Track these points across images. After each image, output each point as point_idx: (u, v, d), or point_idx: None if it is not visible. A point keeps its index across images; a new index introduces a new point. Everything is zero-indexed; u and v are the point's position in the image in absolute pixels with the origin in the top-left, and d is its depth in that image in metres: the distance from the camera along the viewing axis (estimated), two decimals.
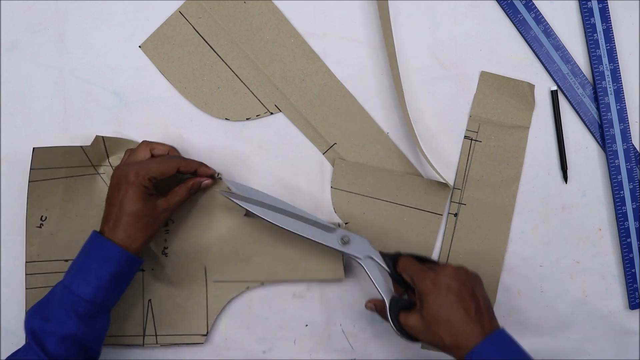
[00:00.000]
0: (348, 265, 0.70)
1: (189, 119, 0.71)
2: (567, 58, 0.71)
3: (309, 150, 0.71)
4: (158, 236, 0.69)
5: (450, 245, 0.71)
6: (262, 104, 0.71)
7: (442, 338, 0.57)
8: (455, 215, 0.71)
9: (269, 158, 0.71)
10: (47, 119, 0.71)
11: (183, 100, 0.71)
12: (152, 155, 0.66)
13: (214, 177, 0.68)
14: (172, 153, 0.68)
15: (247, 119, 0.71)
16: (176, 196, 0.65)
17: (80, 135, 0.71)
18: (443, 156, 0.71)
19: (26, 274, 0.68)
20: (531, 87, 0.71)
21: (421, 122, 0.71)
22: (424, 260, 0.64)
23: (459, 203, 0.71)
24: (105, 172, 0.69)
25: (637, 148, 0.71)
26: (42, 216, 0.68)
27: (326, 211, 0.71)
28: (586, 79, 0.71)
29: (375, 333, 0.71)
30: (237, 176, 0.71)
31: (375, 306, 0.64)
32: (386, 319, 0.62)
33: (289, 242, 0.69)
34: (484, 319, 0.57)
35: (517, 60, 0.71)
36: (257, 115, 0.71)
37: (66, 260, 0.68)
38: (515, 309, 0.71)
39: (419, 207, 0.70)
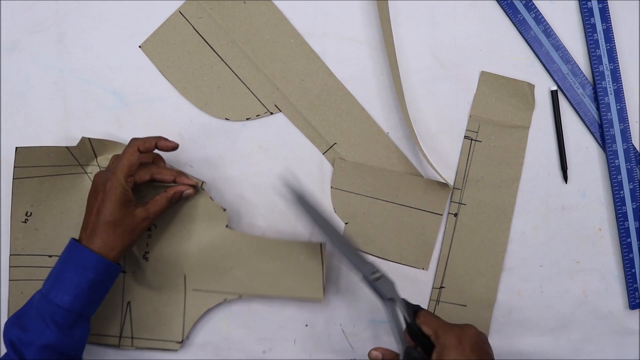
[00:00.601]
0: (339, 273, 0.70)
1: (189, 119, 0.71)
2: (567, 58, 0.71)
3: (309, 150, 0.71)
4: (140, 240, 0.68)
5: (450, 245, 0.71)
6: (262, 104, 0.71)
7: None
8: (455, 215, 0.71)
9: (269, 158, 0.71)
10: (47, 119, 0.71)
11: (183, 100, 0.71)
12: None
13: (196, 188, 0.66)
14: (157, 161, 0.67)
15: (247, 119, 0.71)
16: (156, 205, 0.64)
17: (80, 135, 0.70)
18: (443, 156, 0.71)
19: (10, 266, 0.69)
20: (531, 87, 0.71)
21: (421, 122, 0.71)
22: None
23: (459, 203, 0.71)
24: (93, 171, 0.69)
25: (637, 148, 0.71)
26: (27, 212, 0.68)
27: (326, 211, 0.71)
28: (586, 79, 0.71)
29: (375, 333, 0.71)
30: (237, 176, 0.71)
31: (383, 355, 0.63)
32: None
33: (270, 258, 0.68)
34: None
35: (517, 60, 0.71)
36: (257, 115, 0.71)
37: (50, 256, 0.69)
38: (515, 309, 0.71)
39: (419, 207, 0.70)
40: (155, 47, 0.71)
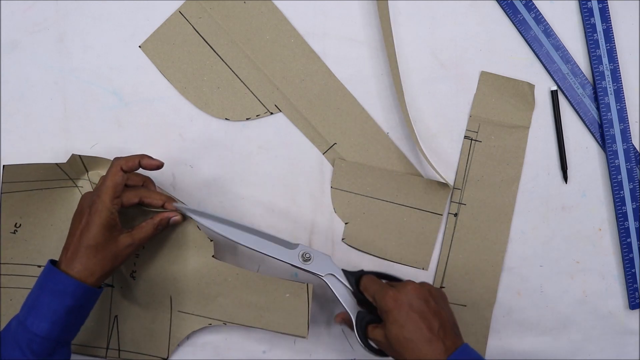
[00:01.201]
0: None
1: (189, 119, 0.71)
2: (567, 58, 0.71)
3: (309, 150, 0.71)
4: (128, 259, 0.67)
5: (450, 245, 0.71)
6: (262, 104, 0.71)
7: (406, 358, 0.56)
8: (455, 215, 0.71)
9: (269, 158, 0.71)
10: (47, 119, 0.71)
11: (183, 100, 0.71)
12: (126, 185, 0.63)
13: (184, 215, 0.65)
14: (147, 184, 0.65)
15: (247, 119, 0.71)
16: (142, 232, 0.62)
17: (80, 135, 0.71)
18: (443, 156, 0.71)
19: (1, 274, 0.69)
20: (531, 87, 0.71)
21: (421, 122, 0.71)
22: (388, 278, 0.64)
23: (459, 203, 0.71)
24: (84, 185, 0.68)
25: (637, 148, 0.71)
26: (16, 223, 0.68)
27: (326, 211, 0.71)
28: (586, 79, 0.71)
29: None
30: (237, 176, 0.71)
31: (344, 320, 0.63)
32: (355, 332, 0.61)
33: (255, 292, 0.67)
34: (447, 337, 0.57)
35: (517, 60, 0.71)
36: (257, 115, 0.71)
37: (39, 266, 0.69)
38: (515, 309, 0.71)
39: (419, 207, 0.70)
40: (155, 47, 0.71)
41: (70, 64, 0.71)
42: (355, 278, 0.63)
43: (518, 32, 0.71)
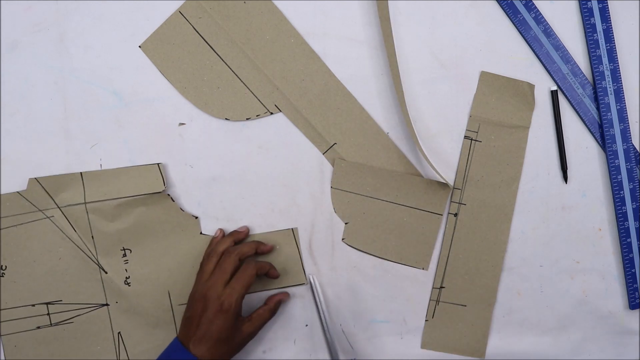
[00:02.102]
0: (339, 273, 0.70)
1: (189, 119, 0.71)
2: (567, 58, 0.71)
3: (309, 150, 0.71)
4: (118, 267, 0.69)
5: (450, 245, 0.71)
6: (262, 104, 0.71)
7: None
8: (455, 215, 0.71)
9: (269, 158, 0.71)
10: (47, 119, 0.71)
11: (183, 100, 0.71)
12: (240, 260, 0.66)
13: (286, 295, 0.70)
14: (236, 239, 0.69)
15: (247, 119, 0.71)
16: (261, 319, 0.66)
17: (80, 135, 0.71)
18: (443, 156, 0.71)
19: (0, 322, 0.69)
20: (531, 87, 0.71)
21: (421, 122, 0.71)
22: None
23: (459, 203, 0.71)
24: (55, 214, 0.69)
25: (637, 148, 0.71)
26: (1, 266, 0.69)
27: (326, 211, 0.71)
28: (586, 79, 0.71)
29: (375, 333, 0.71)
30: (237, 176, 0.71)
31: None
32: None
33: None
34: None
35: (517, 60, 0.71)
36: (257, 115, 0.71)
37: (33, 305, 0.69)
38: (515, 309, 0.71)
39: (419, 207, 0.70)
40: (155, 47, 0.71)
41: (70, 64, 0.71)
42: None
43: (518, 32, 0.71)
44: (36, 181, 0.68)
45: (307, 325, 0.71)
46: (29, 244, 0.69)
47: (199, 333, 0.62)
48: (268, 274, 0.68)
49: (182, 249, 0.69)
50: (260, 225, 0.71)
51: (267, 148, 0.71)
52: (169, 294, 0.69)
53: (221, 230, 0.70)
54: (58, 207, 0.68)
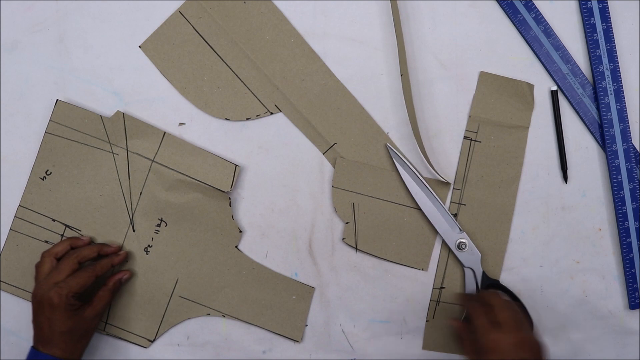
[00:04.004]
0: (338, 272, 0.70)
1: (189, 119, 0.71)
2: (567, 58, 0.71)
3: (309, 150, 0.71)
4: (147, 233, 0.69)
5: None
6: (262, 104, 0.71)
7: None
8: (455, 215, 0.71)
9: (269, 158, 0.71)
10: (47, 119, 0.70)
11: (183, 100, 0.71)
12: (57, 260, 0.66)
13: (119, 252, 0.69)
14: (73, 244, 0.67)
15: (247, 119, 0.71)
16: (102, 301, 0.66)
17: None
18: (443, 156, 0.71)
19: (15, 216, 0.70)
20: (530, 87, 0.71)
21: (421, 122, 0.71)
22: (513, 297, 0.69)
23: (459, 203, 0.71)
24: (120, 153, 0.69)
25: (637, 148, 0.71)
26: (47, 170, 0.69)
27: (326, 211, 0.71)
28: (586, 79, 0.71)
29: (375, 333, 0.71)
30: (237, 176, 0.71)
31: (457, 328, 0.65)
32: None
33: (264, 288, 0.70)
34: None
35: (517, 60, 0.71)
36: (257, 115, 0.71)
37: (53, 220, 0.69)
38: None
39: (419, 206, 0.70)
40: (155, 47, 0.71)
41: (70, 64, 0.71)
42: (487, 284, 0.69)
43: (518, 32, 0.71)
44: (122, 115, 0.68)
45: (307, 325, 0.71)
46: (83, 166, 0.69)
47: (43, 334, 0.62)
48: (117, 278, 0.68)
49: (211, 250, 0.70)
50: (261, 225, 0.71)
51: (267, 148, 0.71)
52: (176, 281, 0.69)
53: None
54: (127, 149, 0.69)
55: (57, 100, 0.68)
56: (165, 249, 0.69)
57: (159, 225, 0.69)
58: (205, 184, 0.69)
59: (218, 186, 0.69)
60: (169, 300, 0.70)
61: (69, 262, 0.64)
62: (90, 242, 0.69)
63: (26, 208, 0.70)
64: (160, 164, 0.69)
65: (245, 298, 0.70)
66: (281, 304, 0.69)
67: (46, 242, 0.69)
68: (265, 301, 0.69)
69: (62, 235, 0.69)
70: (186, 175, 0.69)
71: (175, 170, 0.69)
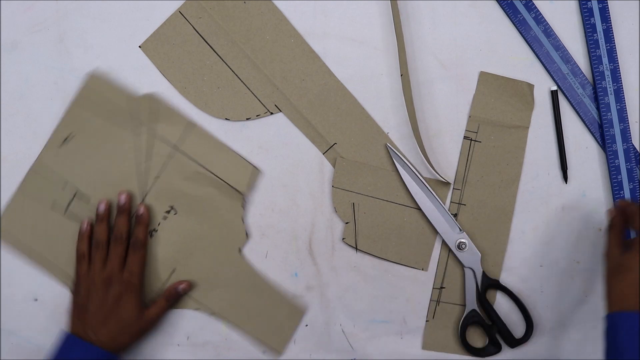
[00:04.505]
0: (338, 271, 0.70)
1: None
2: (567, 58, 0.71)
3: (309, 150, 0.71)
4: (155, 217, 0.69)
5: None
6: (262, 104, 0.71)
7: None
8: (455, 215, 0.71)
9: (269, 158, 0.71)
10: (47, 119, 0.70)
11: (183, 100, 0.71)
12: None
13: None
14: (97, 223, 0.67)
15: (247, 119, 0.71)
16: (158, 308, 0.66)
17: None
18: (443, 156, 0.71)
19: (27, 173, 0.69)
20: (530, 87, 0.71)
21: (421, 122, 0.71)
22: (514, 298, 0.70)
23: (459, 203, 0.71)
24: (142, 134, 0.69)
25: (637, 148, 0.71)
26: (68, 135, 0.69)
27: (326, 211, 0.71)
28: (586, 79, 0.71)
29: (375, 333, 0.71)
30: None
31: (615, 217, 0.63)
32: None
33: (257, 296, 0.69)
34: None
35: (517, 60, 0.71)
36: (257, 115, 0.71)
37: (66, 182, 0.69)
38: (515, 309, 0.71)
39: (419, 206, 0.70)
40: (155, 47, 0.71)
41: (70, 64, 0.71)
42: (487, 284, 0.69)
43: (518, 32, 0.71)
44: (150, 97, 0.69)
45: (307, 325, 0.71)
46: (104, 140, 0.69)
47: (99, 317, 0.62)
48: (174, 287, 0.68)
49: (213, 248, 0.69)
50: (261, 225, 0.71)
51: (267, 148, 0.71)
52: (173, 270, 0.69)
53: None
54: (150, 132, 0.69)
55: (94, 70, 0.69)
56: (170, 237, 0.69)
57: (168, 212, 0.69)
58: (222, 180, 0.69)
59: (235, 185, 0.69)
60: (160, 286, 0.69)
61: (119, 247, 0.65)
62: (108, 210, 0.68)
63: (43, 164, 0.69)
64: (182, 152, 0.69)
65: (236, 301, 0.69)
66: (271, 315, 0.70)
67: (53, 204, 0.69)
68: (256, 308, 0.69)
69: (70, 201, 0.69)
70: (205, 169, 0.69)
71: (196, 162, 0.69)
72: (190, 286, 0.68)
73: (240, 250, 0.70)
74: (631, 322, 0.55)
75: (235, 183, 0.69)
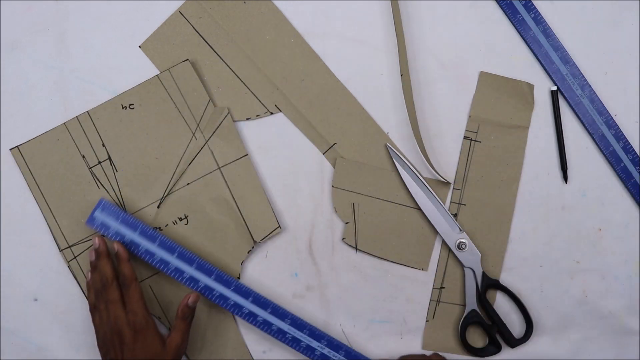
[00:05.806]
0: (338, 272, 0.70)
1: None
2: (566, 59, 0.71)
3: (309, 150, 0.71)
4: (165, 217, 0.69)
5: None
6: (262, 104, 0.71)
7: None
8: (455, 215, 0.71)
9: (269, 158, 0.71)
10: (47, 119, 0.70)
11: None
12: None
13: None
14: (121, 255, 0.65)
15: (247, 119, 0.71)
16: (179, 330, 0.64)
17: None
18: (443, 156, 0.71)
19: (71, 118, 0.69)
20: (530, 87, 0.71)
21: (421, 122, 0.71)
22: (514, 298, 0.70)
23: (459, 203, 0.71)
24: (199, 140, 0.69)
25: (637, 148, 0.71)
26: (132, 103, 0.69)
27: (326, 211, 0.71)
28: (585, 79, 0.71)
29: (375, 333, 0.71)
30: None
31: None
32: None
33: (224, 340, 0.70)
34: None
35: (517, 61, 0.71)
36: (257, 115, 0.71)
37: (97, 149, 0.69)
38: (515, 309, 0.71)
39: (419, 206, 0.70)
40: (155, 47, 0.71)
41: (70, 64, 0.71)
42: (487, 284, 0.69)
43: (517, 33, 0.71)
44: (224, 111, 0.69)
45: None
46: (162, 125, 0.69)
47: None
48: (184, 305, 0.65)
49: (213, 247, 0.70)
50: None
51: (267, 148, 0.71)
52: (154, 274, 0.69)
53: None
54: (208, 145, 0.69)
55: (187, 59, 0.69)
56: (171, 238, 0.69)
57: (180, 219, 0.69)
58: (244, 220, 0.69)
59: (252, 231, 0.69)
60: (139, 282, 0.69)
61: (113, 290, 0.64)
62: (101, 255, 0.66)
63: (90, 117, 0.69)
64: (223, 174, 0.69)
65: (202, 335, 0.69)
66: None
67: (83, 156, 0.69)
68: (216, 345, 0.69)
69: (100, 162, 0.69)
70: (234, 201, 0.69)
71: (229, 190, 0.69)
72: (198, 296, 0.65)
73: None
74: None
75: (254, 229, 0.69)
